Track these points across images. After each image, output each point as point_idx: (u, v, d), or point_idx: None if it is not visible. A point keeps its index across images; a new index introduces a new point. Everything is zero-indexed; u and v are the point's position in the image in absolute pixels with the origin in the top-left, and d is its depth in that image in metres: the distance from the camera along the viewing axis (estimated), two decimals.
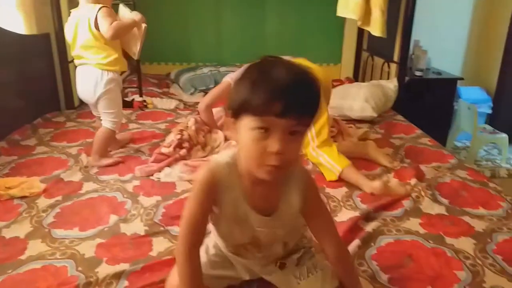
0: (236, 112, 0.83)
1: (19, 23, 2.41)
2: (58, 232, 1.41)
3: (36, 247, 1.32)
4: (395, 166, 1.94)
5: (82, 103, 2.98)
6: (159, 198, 1.64)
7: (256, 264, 1.09)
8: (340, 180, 1.79)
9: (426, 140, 2.32)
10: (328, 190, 1.73)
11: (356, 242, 1.33)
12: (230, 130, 0.89)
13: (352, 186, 1.75)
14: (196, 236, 0.96)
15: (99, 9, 1.86)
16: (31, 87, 2.53)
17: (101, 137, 1.97)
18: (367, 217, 1.51)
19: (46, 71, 2.72)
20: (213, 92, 2.29)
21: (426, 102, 3.12)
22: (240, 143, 0.86)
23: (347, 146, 2.10)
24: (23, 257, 1.27)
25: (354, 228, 1.43)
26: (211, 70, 3.39)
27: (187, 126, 2.11)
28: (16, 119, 2.37)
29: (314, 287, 1.04)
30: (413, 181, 1.76)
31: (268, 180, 0.86)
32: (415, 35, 3.25)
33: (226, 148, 2.02)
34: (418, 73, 3.15)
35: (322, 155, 1.86)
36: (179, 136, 2.02)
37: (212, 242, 1.10)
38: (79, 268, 1.21)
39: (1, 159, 1.98)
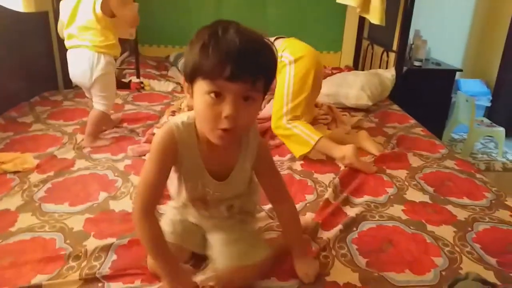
0: (190, 76, 0.84)
1: (17, 1, 2.42)
2: (48, 206, 1.44)
3: (26, 219, 1.35)
4: (383, 151, 1.97)
5: None
6: None
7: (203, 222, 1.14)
8: (329, 165, 1.81)
9: (419, 130, 2.34)
10: (316, 175, 1.75)
11: (338, 227, 1.36)
12: (186, 94, 0.90)
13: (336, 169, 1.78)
14: (154, 197, 0.96)
15: None
16: (29, 65, 2.55)
17: (94, 119, 1.98)
18: (350, 202, 1.54)
19: (44, 49, 2.73)
20: None
21: (423, 92, 3.12)
22: (195, 107, 0.87)
23: (339, 134, 2.12)
24: (13, 228, 1.30)
25: (337, 212, 1.46)
26: None
27: (180, 108, 2.13)
28: (14, 97, 2.40)
29: (227, 258, 1.07)
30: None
31: (220, 145, 0.88)
32: (417, 25, 3.24)
33: None
34: (417, 63, 3.14)
35: (297, 126, 1.87)
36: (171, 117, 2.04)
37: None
38: (67, 241, 1.25)
39: None
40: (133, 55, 3.10)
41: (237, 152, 1.01)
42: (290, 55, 1.91)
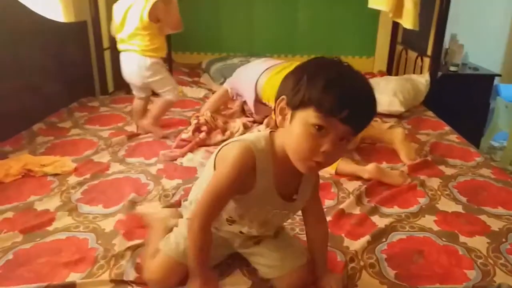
0: (299, 103, 0.85)
1: (58, 11, 2.55)
2: (84, 208, 1.50)
3: (63, 220, 1.42)
4: (413, 160, 1.91)
5: (116, 89, 3.13)
6: (180, 181, 1.71)
7: (236, 239, 1.15)
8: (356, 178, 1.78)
9: (454, 137, 2.27)
10: (342, 180, 1.74)
11: (366, 238, 1.33)
12: (277, 115, 0.91)
13: (367, 180, 1.74)
14: (217, 212, 0.99)
15: (155, 1, 1.96)
16: (68, 72, 2.68)
17: (161, 106, 2.17)
18: (379, 212, 1.51)
19: (82, 57, 2.86)
20: (211, 100, 2.44)
21: (460, 98, 3.02)
22: (289, 133, 0.88)
23: (374, 132, 2.10)
24: (50, 228, 1.37)
25: (365, 222, 1.44)
26: (241, 61, 3.43)
27: (203, 114, 2.20)
28: (54, 102, 2.52)
29: (285, 261, 1.11)
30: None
31: (306, 174, 0.93)
32: (453, 29, 3.15)
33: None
34: (452, 68, 3.05)
35: None
36: (196, 121, 2.12)
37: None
38: (99, 241, 1.30)
39: (39, 139, 2.12)
40: (167, 62, 3.19)
41: (300, 179, 1.03)
42: (272, 103, 1.90)
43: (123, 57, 2.17)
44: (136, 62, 2.09)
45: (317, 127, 0.83)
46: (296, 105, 0.86)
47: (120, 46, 2.15)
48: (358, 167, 1.78)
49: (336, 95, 0.81)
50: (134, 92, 2.28)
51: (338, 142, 0.85)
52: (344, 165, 1.79)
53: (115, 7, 2.11)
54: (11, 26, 2.13)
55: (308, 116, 0.84)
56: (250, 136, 0.98)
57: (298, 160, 0.89)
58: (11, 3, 2.15)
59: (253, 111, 2.24)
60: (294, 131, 0.86)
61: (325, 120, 0.82)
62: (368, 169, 1.74)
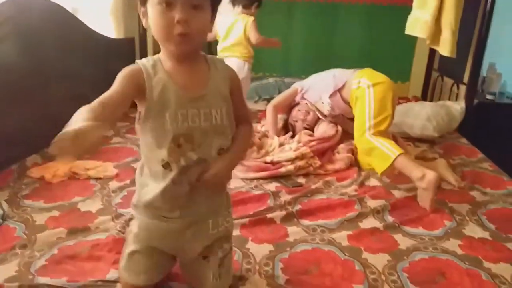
0: None
1: (110, 28, 2.75)
2: (123, 211, 1.61)
3: (103, 221, 1.54)
4: (462, 186, 1.94)
5: None
6: None
7: (178, 236, 1.08)
8: (383, 194, 1.81)
9: (487, 165, 2.25)
10: (367, 199, 1.77)
11: (387, 254, 1.37)
12: (142, 20, 1.00)
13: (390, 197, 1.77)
14: (106, 106, 0.92)
15: (253, 20, 2.58)
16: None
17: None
18: (402, 231, 1.54)
19: None
20: (281, 96, 2.56)
21: (496, 127, 2.97)
22: (150, 23, 0.96)
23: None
24: (92, 227, 1.49)
25: (387, 240, 1.47)
26: (276, 80, 3.54)
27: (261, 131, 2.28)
28: None
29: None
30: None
31: (179, 51, 0.96)
32: (492, 58, 3.12)
33: (280, 153, 2.12)
34: (489, 97, 3.01)
35: (378, 140, 1.90)
36: None
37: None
38: None
39: None
40: None
41: (207, 74, 1.03)
42: (368, 80, 2.06)
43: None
44: (235, 65, 2.52)
45: (163, 3, 0.91)
46: (144, 1, 0.96)
47: (221, 54, 2.65)
48: (418, 165, 1.75)
49: None
50: None
51: (192, 10, 0.92)
52: (405, 159, 1.79)
53: (219, 22, 2.57)
54: (65, 38, 2.33)
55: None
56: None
57: (164, 41, 0.95)
58: (67, 17, 2.35)
59: (327, 101, 2.29)
60: (151, 19, 0.95)
61: None
62: (428, 172, 1.69)
